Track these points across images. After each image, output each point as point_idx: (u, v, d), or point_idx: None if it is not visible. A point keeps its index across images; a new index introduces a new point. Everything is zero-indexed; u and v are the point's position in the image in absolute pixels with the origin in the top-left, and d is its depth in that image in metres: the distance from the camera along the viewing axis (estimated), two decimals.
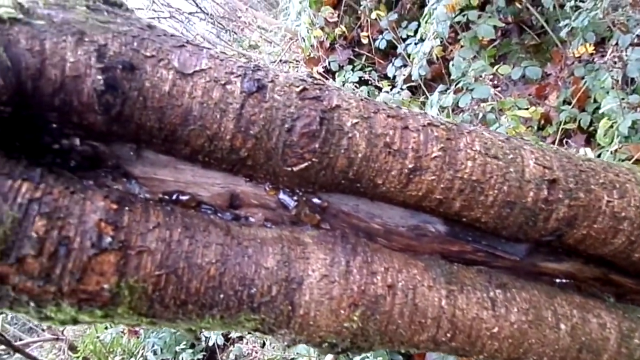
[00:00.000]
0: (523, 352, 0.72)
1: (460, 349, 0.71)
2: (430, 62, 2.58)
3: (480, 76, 2.13)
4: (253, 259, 0.63)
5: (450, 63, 2.33)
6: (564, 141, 2.19)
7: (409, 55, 2.75)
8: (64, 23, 0.56)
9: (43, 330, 3.57)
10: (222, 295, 0.61)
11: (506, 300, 0.73)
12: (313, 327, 0.65)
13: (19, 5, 0.55)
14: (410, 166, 0.69)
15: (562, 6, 2.25)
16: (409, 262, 0.72)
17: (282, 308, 0.64)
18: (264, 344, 2.85)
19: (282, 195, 0.72)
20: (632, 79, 1.98)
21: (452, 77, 2.32)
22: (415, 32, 2.75)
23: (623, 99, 1.76)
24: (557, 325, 0.73)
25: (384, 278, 0.68)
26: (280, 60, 3.83)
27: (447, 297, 0.69)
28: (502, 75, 2.19)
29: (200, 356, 3.06)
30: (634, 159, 1.71)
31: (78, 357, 3.07)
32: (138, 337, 3.15)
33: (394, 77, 2.87)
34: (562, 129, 2.14)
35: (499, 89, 2.53)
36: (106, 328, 3.10)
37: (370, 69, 3.19)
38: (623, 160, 1.73)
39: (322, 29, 3.24)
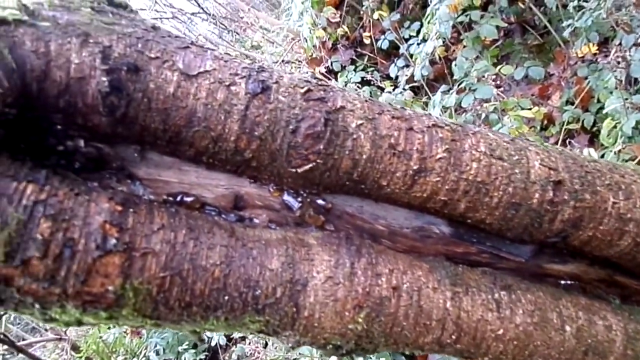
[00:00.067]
0: (528, 354, 0.71)
1: (465, 351, 0.71)
2: (432, 63, 2.57)
3: (483, 76, 2.13)
4: (257, 260, 0.63)
5: (453, 63, 2.32)
6: (567, 141, 2.18)
7: (411, 56, 2.75)
8: (69, 25, 0.56)
9: (46, 330, 3.58)
10: (226, 297, 0.61)
11: (511, 302, 0.72)
12: (317, 328, 0.65)
13: (23, 7, 0.55)
14: (415, 167, 0.68)
15: (565, 6, 2.24)
16: (414, 263, 0.71)
17: (287, 310, 0.63)
18: (266, 344, 2.86)
19: (286, 197, 0.72)
20: (636, 79, 1.97)
21: (454, 78, 2.32)
22: (418, 32, 2.75)
23: (627, 99, 1.75)
24: (562, 327, 0.73)
25: (388, 280, 0.67)
26: (283, 61, 3.83)
27: (452, 299, 0.69)
28: (505, 75, 2.19)
29: (202, 356, 3.06)
30: (637, 160, 1.70)
31: (81, 357, 3.08)
32: (140, 337, 3.15)
33: (397, 77, 2.87)
34: (565, 129, 2.13)
35: (502, 89, 2.53)
36: (109, 328, 3.10)
37: (372, 69, 3.19)
38: (627, 161, 1.73)
39: (324, 29, 3.24)
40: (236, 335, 3.00)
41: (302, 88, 0.66)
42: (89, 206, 0.55)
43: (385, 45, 3.00)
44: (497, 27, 2.20)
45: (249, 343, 2.97)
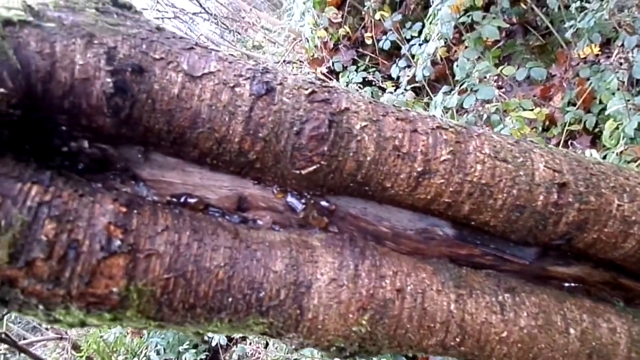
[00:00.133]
0: (532, 357, 0.71)
1: (469, 354, 0.71)
2: (434, 63, 2.57)
3: (485, 77, 2.12)
4: (261, 262, 0.63)
5: (455, 64, 2.32)
6: (569, 143, 2.18)
7: (413, 56, 2.74)
8: (74, 25, 0.56)
9: (47, 329, 3.58)
10: (230, 299, 0.61)
11: (515, 304, 0.72)
12: (321, 331, 0.65)
13: (28, 8, 0.55)
14: (419, 169, 0.68)
15: (567, 7, 2.24)
16: (418, 265, 0.71)
17: (291, 312, 0.63)
18: (267, 344, 2.85)
19: (289, 198, 0.72)
20: (638, 80, 1.97)
21: (456, 78, 2.32)
22: (420, 32, 2.75)
23: (629, 100, 1.75)
24: (566, 330, 0.72)
25: (392, 282, 0.67)
26: (284, 61, 3.83)
27: (456, 302, 0.69)
28: (507, 76, 2.19)
29: (203, 356, 3.06)
30: None
31: (81, 357, 3.08)
32: (141, 337, 3.15)
33: (398, 77, 2.87)
34: (567, 130, 2.13)
35: (504, 90, 2.52)
36: (110, 328, 3.10)
37: (374, 69, 3.19)
38: (629, 162, 1.73)
39: (325, 29, 3.24)
40: (237, 335, 3.00)
41: (307, 89, 0.66)
42: (93, 207, 0.55)
43: (386, 45, 3.00)
44: (499, 27, 2.20)
45: (250, 343, 2.97)
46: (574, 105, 2.17)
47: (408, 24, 3.00)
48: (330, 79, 3.23)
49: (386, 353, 0.71)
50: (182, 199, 0.68)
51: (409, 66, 2.81)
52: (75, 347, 3.26)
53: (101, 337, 3.10)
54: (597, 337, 0.74)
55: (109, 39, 0.57)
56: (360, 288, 0.66)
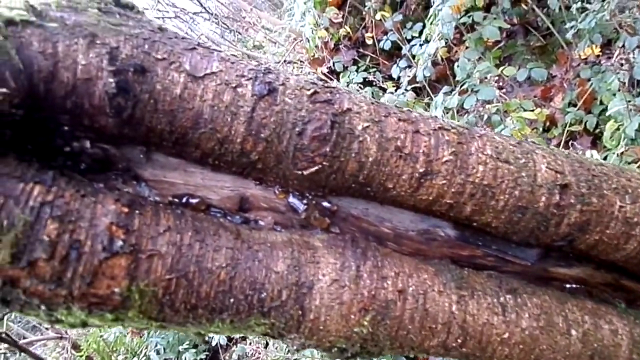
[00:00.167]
0: (534, 358, 0.71)
1: (471, 355, 0.71)
2: (435, 63, 2.57)
3: (486, 77, 2.12)
4: (263, 263, 0.63)
5: (455, 64, 2.32)
6: (570, 143, 2.18)
7: (413, 57, 2.74)
8: (76, 25, 0.56)
9: (47, 328, 3.58)
10: (232, 300, 0.61)
11: (517, 305, 0.72)
12: (323, 331, 0.65)
13: (31, 8, 0.55)
14: (421, 170, 0.68)
15: (568, 8, 2.24)
16: (419, 266, 0.71)
17: (292, 312, 0.63)
18: (267, 344, 2.85)
19: (291, 199, 0.72)
20: (639, 81, 1.97)
21: (457, 79, 2.32)
22: (420, 33, 2.75)
23: (630, 101, 1.75)
24: (568, 331, 0.72)
25: (394, 283, 0.67)
26: (285, 61, 3.83)
27: (457, 303, 0.69)
28: (508, 76, 2.19)
29: (203, 356, 3.06)
30: None
31: (81, 356, 3.08)
32: (141, 337, 3.15)
33: (399, 78, 2.87)
34: (567, 131, 2.13)
35: (504, 90, 2.52)
36: (110, 327, 3.10)
37: (374, 69, 3.19)
38: (629, 163, 1.73)
39: (326, 29, 3.24)
40: (237, 335, 3.00)
41: (309, 90, 0.66)
42: (95, 208, 0.55)
43: (387, 45, 3.00)
44: (500, 28, 2.20)
45: (250, 343, 2.97)
46: (575, 106, 2.17)
47: (409, 24, 3.00)
48: (331, 79, 3.23)
49: (387, 354, 0.71)
50: (184, 200, 0.68)
51: (409, 66, 2.81)
52: (75, 347, 3.26)
53: (101, 336, 3.10)
54: (598, 338, 0.73)
55: (112, 39, 0.57)
56: (362, 289, 0.66)
